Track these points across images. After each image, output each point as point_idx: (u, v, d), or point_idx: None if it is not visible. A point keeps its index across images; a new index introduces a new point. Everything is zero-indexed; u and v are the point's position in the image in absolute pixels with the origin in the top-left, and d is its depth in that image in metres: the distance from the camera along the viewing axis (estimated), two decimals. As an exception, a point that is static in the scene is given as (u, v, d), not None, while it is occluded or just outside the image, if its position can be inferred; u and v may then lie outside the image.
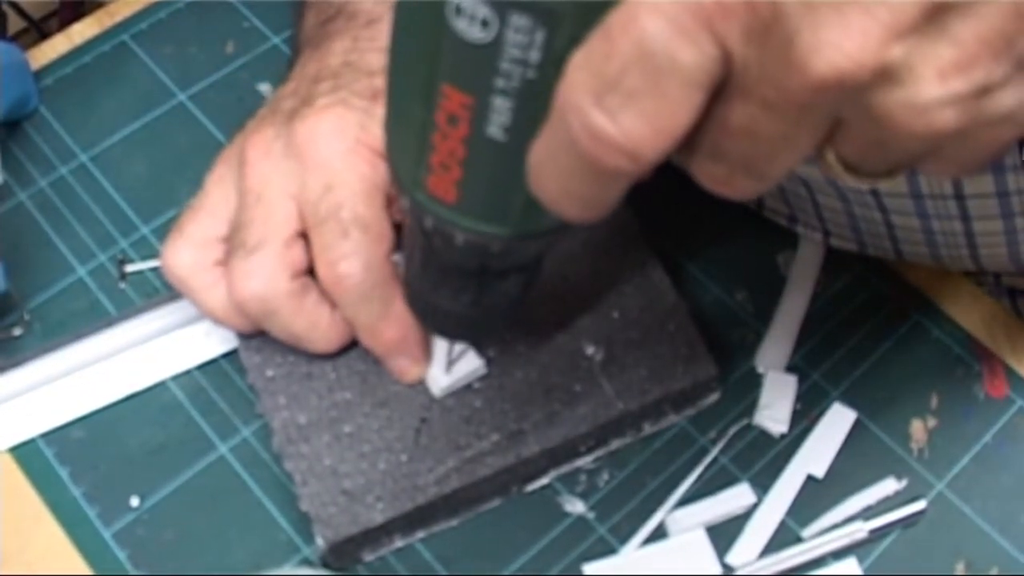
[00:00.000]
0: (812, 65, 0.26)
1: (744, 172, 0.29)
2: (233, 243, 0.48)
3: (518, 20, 0.28)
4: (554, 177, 0.28)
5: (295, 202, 0.47)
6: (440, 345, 0.48)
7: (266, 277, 0.47)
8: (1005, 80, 0.27)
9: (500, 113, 0.30)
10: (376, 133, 0.47)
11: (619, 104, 0.26)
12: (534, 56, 0.29)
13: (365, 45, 0.50)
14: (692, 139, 0.28)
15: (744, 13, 0.26)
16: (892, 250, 0.53)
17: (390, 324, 0.47)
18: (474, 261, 0.37)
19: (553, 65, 0.28)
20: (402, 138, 0.34)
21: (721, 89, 0.27)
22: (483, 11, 0.28)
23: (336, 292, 0.47)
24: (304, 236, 0.47)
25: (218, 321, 0.49)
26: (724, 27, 0.26)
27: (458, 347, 0.48)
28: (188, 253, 0.49)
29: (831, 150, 0.29)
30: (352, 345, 0.49)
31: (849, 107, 0.27)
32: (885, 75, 0.26)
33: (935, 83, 0.26)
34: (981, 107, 0.27)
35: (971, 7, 0.26)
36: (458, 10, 0.28)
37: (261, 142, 0.48)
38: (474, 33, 0.28)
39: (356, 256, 0.46)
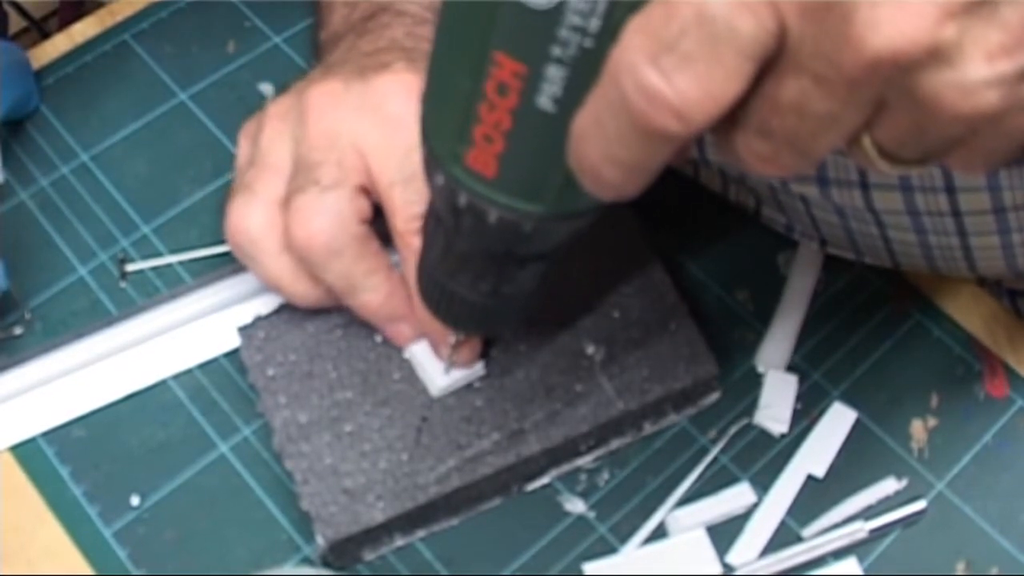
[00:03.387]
0: (868, 41, 0.26)
1: (789, 149, 0.29)
2: (301, 181, 0.47)
3: None
4: (599, 142, 0.29)
5: (365, 159, 0.47)
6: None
7: (339, 215, 0.46)
8: None
9: (552, 83, 0.30)
10: None
11: (674, 65, 0.27)
12: (593, 24, 0.29)
13: (421, 34, 0.50)
14: (739, 115, 0.29)
15: None
16: (889, 261, 0.53)
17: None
18: (502, 243, 0.37)
19: (610, 34, 0.28)
20: (444, 111, 0.34)
21: (772, 64, 0.28)
22: None
23: (414, 245, 0.46)
24: (366, 191, 0.47)
25: (279, 288, 0.49)
26: (784, 2, 0.26)
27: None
28: (261, 213, 0.48)
29: (867, 135, 0.30)
30: (353, 344, 0.50)
31: (896, 88, 0.28)
32: (936, 55, 0.27)
33: (983, 64, 0.27)
34: (1021, 90, 0.27)
35: None
36: None
37: (327, 93, 0.48)
38: None
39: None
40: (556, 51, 0.29)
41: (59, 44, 0.63)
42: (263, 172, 0.48)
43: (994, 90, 0.27)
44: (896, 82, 0.27)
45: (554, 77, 0.30)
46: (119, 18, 0.64)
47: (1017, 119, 0.28)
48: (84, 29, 0.63)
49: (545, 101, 0.31)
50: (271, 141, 0.49)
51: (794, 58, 0.27)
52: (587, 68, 0.29)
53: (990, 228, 0.49)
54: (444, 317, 0.44)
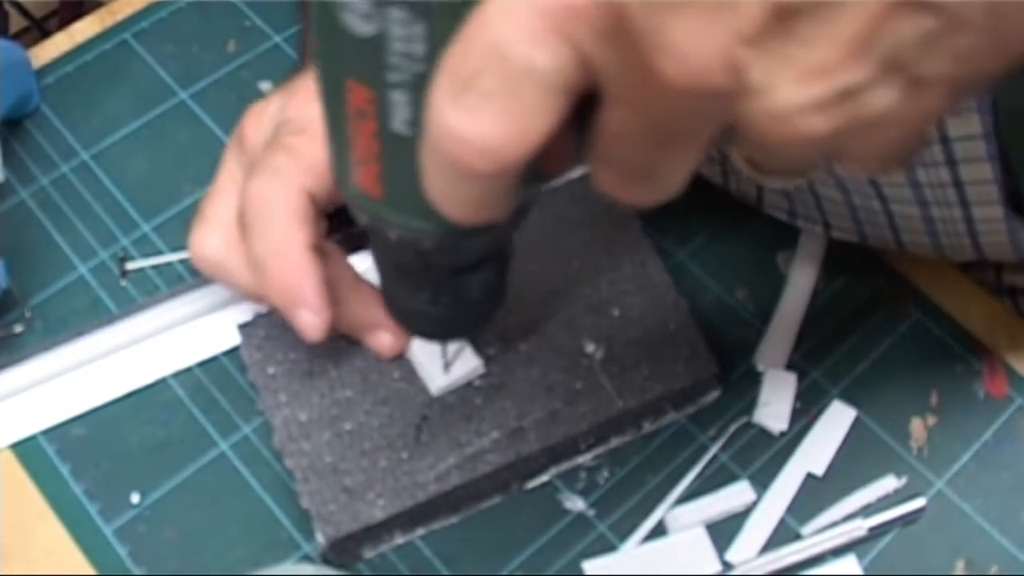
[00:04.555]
0: (662, 69, 0.25)
1: (634, 178, 0.28)
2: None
3: (396, 13, 0.28)
4: (431, 177, 0.28)
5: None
6: (439, 346, 0.48)
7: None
8: (872, 81, 0.26)
9: (400, 107, 0.30)
10: None
11: (474, 105, 0.26)
12: (418, 49, 0.28)
13: None
14: (589, 144, 0.28)
15: (593, 15, 0.25)
16: (893, 240, 0.53)
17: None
18: (412, 258, 0.36)
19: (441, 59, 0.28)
20: (331, 132, 0.34)
21: (597, 92, 0.26)
22: (364, 6, 0.28)
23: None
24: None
25: (253, 300, 0.49)
26: (574, 30, 0.25)
27: (455, 347, 0.48)
28: (216, 236, 0.49)
29: (734, 150, 0.28)
30: (353, 342, 0.50)
31: (725, 112, 0.26)
32: (740, 81, 0.25)
33: (793, 89, 0.25)
34: (851, 111, 0.26)
35: (822, 10, 0.25)
36: (344, 6, 0.28)
37: (254, 111, 0.49)
38: (360, 27, 0.28)
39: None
40: (392, 76, 0.29)
41: (59, 43, 0.63)
42: (213, 197, 0.50)
43: (815, 114, 0.25)
44: (719, 107, 0.26)
45: (400, 101, 0.30)
46: (119, 17, 0.64)
47: (866, 136, 0.26)
48: (84, 28, 0.63)
49: (399, 125, 0.30)
50: (221, 167, 0.50)
51: (609, 87, 0.26)
52: (429, 91, 0.29)
53: (993, 198, 0.49)
54: (407, 327, 0.44)
